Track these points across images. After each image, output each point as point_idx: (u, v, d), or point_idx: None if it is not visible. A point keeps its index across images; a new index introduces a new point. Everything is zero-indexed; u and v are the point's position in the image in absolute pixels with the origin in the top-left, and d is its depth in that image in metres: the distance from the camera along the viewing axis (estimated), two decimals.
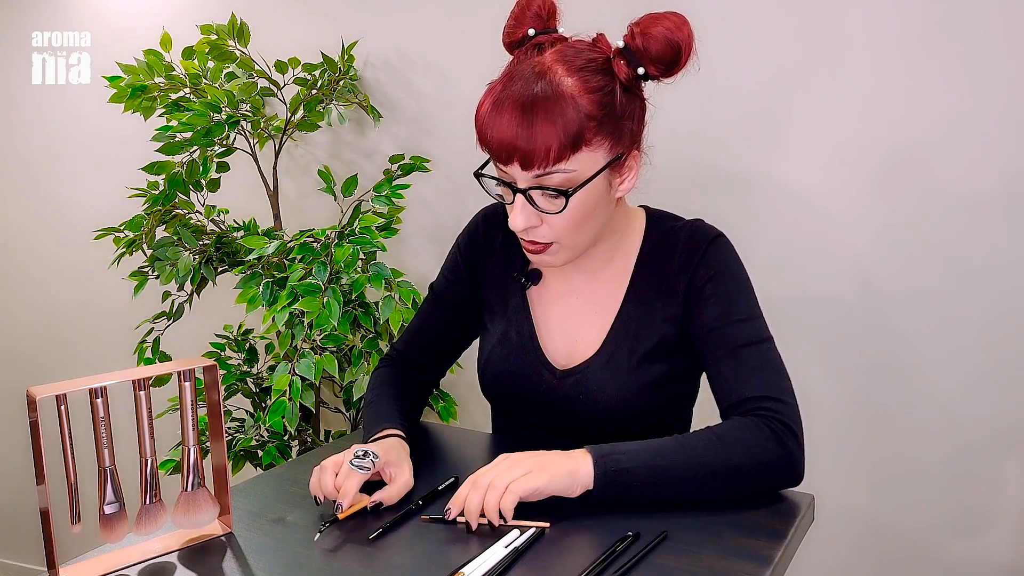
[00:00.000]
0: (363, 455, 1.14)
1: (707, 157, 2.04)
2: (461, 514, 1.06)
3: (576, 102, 1.12)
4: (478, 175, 1.23)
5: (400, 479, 1.16)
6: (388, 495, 1.14)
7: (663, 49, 1.15)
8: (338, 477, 1.13)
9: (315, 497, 1.14)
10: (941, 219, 1.85)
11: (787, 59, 1.94)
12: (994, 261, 1.82)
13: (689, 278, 1.28)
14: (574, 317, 1.36)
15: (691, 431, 1.16)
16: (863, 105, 1.88)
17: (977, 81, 1.79)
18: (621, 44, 1.18)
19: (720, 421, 1.21)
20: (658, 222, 1.35)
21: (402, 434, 1.28)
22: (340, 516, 1.08)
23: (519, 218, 1.17)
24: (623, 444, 1.11)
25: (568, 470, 1.06)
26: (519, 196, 1.16)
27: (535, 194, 1.16)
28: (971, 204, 1.82)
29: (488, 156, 1.19)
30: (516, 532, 1.02)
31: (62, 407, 0.93)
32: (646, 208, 1.39)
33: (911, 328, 1.90)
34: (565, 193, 1.14)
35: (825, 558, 2.05)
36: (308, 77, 2.30)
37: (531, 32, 1.22)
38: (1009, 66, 1.76)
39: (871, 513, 2.00)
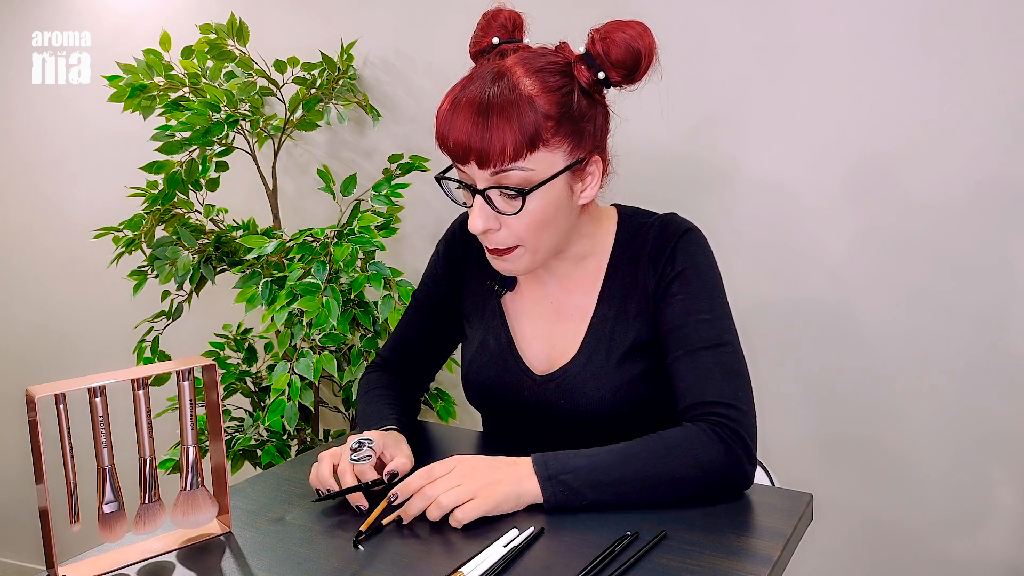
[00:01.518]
0: (359, 446, 1.14)
1: (682, 158, 2.04)
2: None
3: (533, 101, 1.12)
4: (439, 179, 1.23)
5: (403, 452, 1.19)
6: (399, 463, 1.15)
7: (624, 55, 1.16)
8: (340, 475, 1.14)
9: (316, 491, 1.14)
10: (923, 218, 1.85)
11: (763, 60, 1.94)
12: (984, 257, 1.82)
13: (658, 274, 1.27)
14: (550, 322, 1.35)
15: (640, 438, 1.14)
16: (840, 106, 1.88)
17: (959, 83, 1.79)
18: (583, 50, 1.19)
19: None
20: (629, 220, 1.35)
21: (397, 428, 1.28)
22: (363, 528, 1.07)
23: (478, 220, 1.17)
24: (571, 459, 1.11)
25: (516, 493, 1.08)
26: (477, 197, 1.16)
27: (493, 195, 1.16)
28: (950, 204, 1.82)
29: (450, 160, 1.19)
30: (515, 531, 1.02)
31: (61, 406, 0.93)
32: (618, 206, 1.38)
33: (907, 325, 1.90)
34: (522, 192, 1.14)
35: (824, 557, 2.05)
36: (307, 76, 2.30)
37: (495, 41, 1.23)
38: (992, 69, 1.76)
39: (869, 511, 2.00)
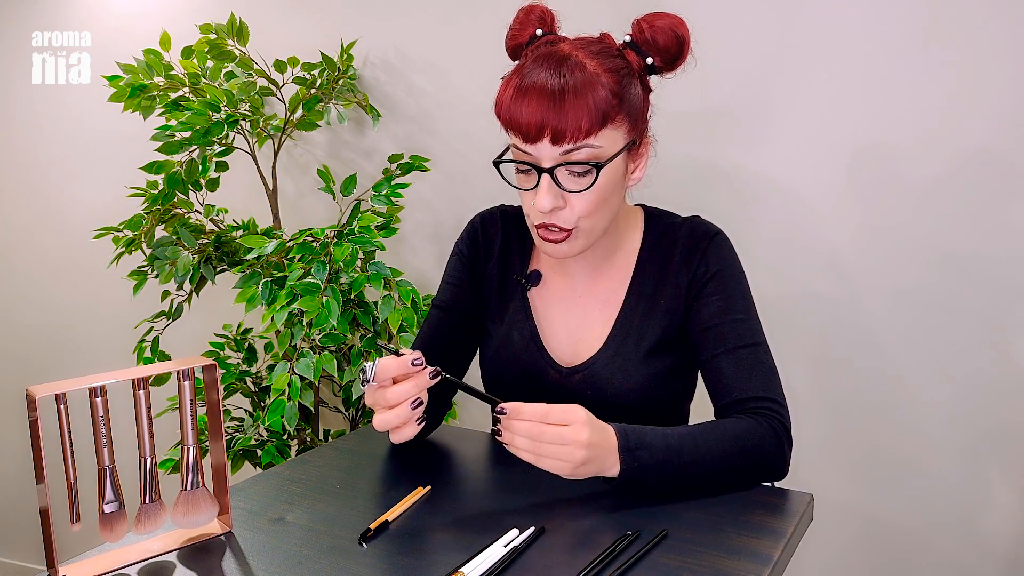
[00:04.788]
0: (361, 371, 1.06)
1: (694, 154, 2.04)
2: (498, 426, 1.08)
3: (601, 79, 1.15)
4: (497, 163, 1.23)
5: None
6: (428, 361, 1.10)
7: (670, 40, 1.21)
8: (369, 398, 1.09)
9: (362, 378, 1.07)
10: (930, 215, 1.85)
11: (774, 57, 1.94)
12: (988, 255, 1.82)
13: (692, 274, 1.31)
14: (577, 315, 1.36)
15: (701, 424, 1.17)
16: (849, 103, 1.88)
17: (968, 81, 1.79)
18: (627, 39, 1.23)
19: (713, 415, 1.26)
20: (657, 219, 1.38)
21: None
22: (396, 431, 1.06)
23: (546, 198, 1.17)
24: (646, 435, 1.11)
25: (598, 470, 1.09)
26: (545, 176, 1.17)
27: (561, 174, 1.17)
28: (957, 201, 1.82)
29: (508, 145, 1.21)
30: (515, 531, 1.02)
31: (61, 406, 0.93)
32: (643, 206, 1.41)
33: (906, 324, 1.90)
34: (597, 166, 1.16)
35: (824, 556, 2.05)
36: (307, 76, 2.30)
37: (539, 32, 1.26)
38: (1001, 66, 1.76)
39: (869, 511, 2.00)
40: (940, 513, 1.94)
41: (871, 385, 1.96)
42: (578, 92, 1.13)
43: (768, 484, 1.20)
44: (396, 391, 1.06)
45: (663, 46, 1.21)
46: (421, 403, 1.07)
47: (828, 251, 1.96)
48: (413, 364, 1.06)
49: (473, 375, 1.41)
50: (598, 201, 1.20)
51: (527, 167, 1.19)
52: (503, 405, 1.06)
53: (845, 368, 1.98)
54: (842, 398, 1.99)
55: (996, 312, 1.83)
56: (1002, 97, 1.77)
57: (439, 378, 1.08)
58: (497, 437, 1.07)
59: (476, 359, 1.47)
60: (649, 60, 1.22)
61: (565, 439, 1.04)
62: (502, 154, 1.23)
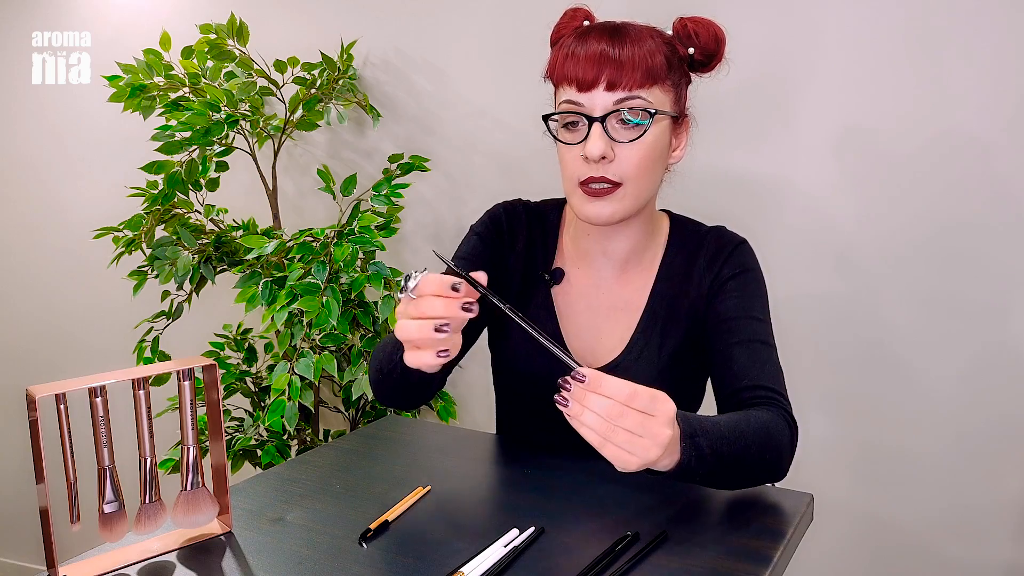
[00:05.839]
0: (405, 278, 0.99)
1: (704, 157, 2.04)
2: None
3: (656, 39, 1.20)
4: (547, 117, 1.25)
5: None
6: (478, 273, 1.02)
7: (709, 39, 1.25)
8: (400, 306, 1.01)
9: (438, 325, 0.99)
10: (931, 213, 1.85)
11: (783, 55, 1.94)
12: (989, 254, 1.82)
13: (713, 276, 1.32)
14: (599, 315, 1.36)
15: (739, 414, 1.12)
16: (860, 100, 1.88)
17: (984, 78, 1.79)
18: (670, 32, 1.26)
19: (716, 409, 1.25)
20: (682, 225, 1.39)
21: None
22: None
23: (597, 144, 1.17)
24: (700, 420, 1.04)
25: (658, 460, 0.95)
26: (596, 124, 1.18)
27: (611, 125, 1.19)
28: (963, 199, 1.82)
29: (549, 114, 1.23)
30: (515, 531, 1.02)
31: (61, 406, 0.93)
32: (669, 213, 1.42)
33: (910, 326, 1.90)
34: (650, 112, 1.18)
35: (824, 556, 2.05)
36: (307, 76, 2.30)
37: (586, 24, 1.28)
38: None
39: (870, 511, 2.00)
40: (939, 513, 1.94)
41: (871, 386, 1.96)
42: (635, 42, 1.17)
43: (769, 484, 1.20)
44: (424, 305, 0.98)
45: (704, 42, 1.24)
46: (446, 330, 0.98)
47: (831, 251, 1.96)
48: (453, 288, 0.97)
49: (476, 372, 1.41)
50: (645, 159, 1.21)
51: (577, 119, 1.21)
52: (581, 370, 0.92)
53: (845, 369, 1.98)
54: (842, 400, 1.99)
55: (998, 311, 1.83)
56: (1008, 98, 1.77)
57: (472, 313, 0.98)
58: (560, 405, 0.93)
59: (478, 356, 1.45)
60: (691, 51, 1.25)
61: (646, 430, 0.91)
62: (550, 115, 1.25)
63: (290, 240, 2.05)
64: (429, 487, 1.17)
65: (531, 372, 1.37)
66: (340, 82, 2.30)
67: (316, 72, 2.31)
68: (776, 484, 1.20)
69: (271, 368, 2.15)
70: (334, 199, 2.25)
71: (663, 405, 0.93)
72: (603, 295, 1.37)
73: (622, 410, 0.90)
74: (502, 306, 0.98)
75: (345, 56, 2.34)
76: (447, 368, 1.25)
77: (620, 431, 0.90)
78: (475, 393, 2.40)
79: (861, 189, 1.91)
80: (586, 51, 1.18)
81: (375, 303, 2.10)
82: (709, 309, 1.31)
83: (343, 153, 2.54)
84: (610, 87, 1.17)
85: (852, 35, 1.88)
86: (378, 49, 2.42)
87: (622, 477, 1.12)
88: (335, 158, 2.55)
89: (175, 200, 2.24)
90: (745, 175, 2.01)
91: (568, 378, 0.93)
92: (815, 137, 1.94)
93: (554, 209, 1.44)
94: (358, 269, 2.05)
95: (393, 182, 2.17)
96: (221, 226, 2.36)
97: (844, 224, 1.93)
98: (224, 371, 2.24)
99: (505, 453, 1.36)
